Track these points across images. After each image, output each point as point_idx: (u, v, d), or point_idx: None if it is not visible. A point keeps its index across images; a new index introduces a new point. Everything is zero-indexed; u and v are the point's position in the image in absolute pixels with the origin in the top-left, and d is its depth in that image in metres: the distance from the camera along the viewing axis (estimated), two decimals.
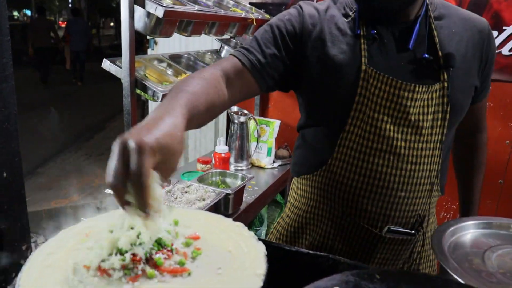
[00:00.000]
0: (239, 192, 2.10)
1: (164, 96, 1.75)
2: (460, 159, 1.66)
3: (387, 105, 1.24)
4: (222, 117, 3.84)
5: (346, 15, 1.29)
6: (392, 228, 1.32)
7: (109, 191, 1.92)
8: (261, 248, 0.86)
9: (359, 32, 1.25)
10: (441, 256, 1.01)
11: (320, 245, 1.43)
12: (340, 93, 1.26)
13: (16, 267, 1.57)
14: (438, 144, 1.29)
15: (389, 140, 1.25)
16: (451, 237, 1.13)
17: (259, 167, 2.91)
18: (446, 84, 1.24)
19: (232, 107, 2.77)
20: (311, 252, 0.96)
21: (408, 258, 1.42)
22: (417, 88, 1.22)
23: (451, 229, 1.15)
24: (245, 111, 2.77)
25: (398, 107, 1.23)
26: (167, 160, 0.76)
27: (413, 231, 1.34)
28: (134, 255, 0.78)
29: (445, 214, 3.08)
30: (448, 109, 1.25)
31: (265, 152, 2.90)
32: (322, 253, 0.95)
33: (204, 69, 1.18)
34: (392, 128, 1.25)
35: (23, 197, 1.54)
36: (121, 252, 0.79)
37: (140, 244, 0.81)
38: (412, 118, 1.24)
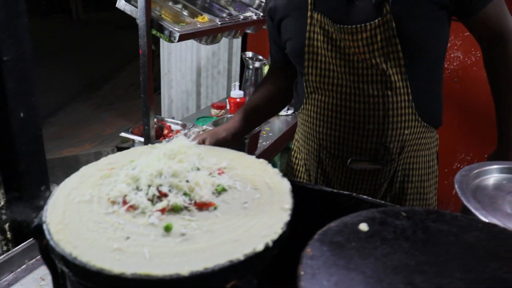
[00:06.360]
0: (255, 137, 2.09)
1: (181, 36, 1.70)
2: (488, 76, 1.43)
3: (335, 45, 1.29)
4: (235, 63, 3.79)
5: None
6: (354, 158, 1.37)
7: (124, 134, 1.92)
8: (286, 184, 0.86)
9: None
10: (464, 197, 1.00)
11: (309, 180, 1.53)
12: (296, 40, 1.36)
13: (35, 208, 1.60)
14: (399, 76, 1.28)
15: (341, 78, 1.31)
16: (474, 180, 1.12)
17: None
18: (389, 17, 1.21)
19: (245, 52, 2.73)
20: (334, 190, 0.95)
21: (388, 188, 1.43)
22: (356, 29, 1.24)
23: (474, 172, 1.13)
24: (260, 57, 2.72)
25: (343, 49, 1.28)
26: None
27: (380, 161, 1.36)
28: (159, 190, 0.78)
29: (458, 165, 3.06)
30: (397, 41, 1.23)
31: None
32: (345, 192, 0.94)
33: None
34: (343, 64, 1.30)
35: (40, 137, 1.54)
36: (146, 186, 0.78)
37: (165, 177, 0.80)
38: (360, 57, 1.26)
